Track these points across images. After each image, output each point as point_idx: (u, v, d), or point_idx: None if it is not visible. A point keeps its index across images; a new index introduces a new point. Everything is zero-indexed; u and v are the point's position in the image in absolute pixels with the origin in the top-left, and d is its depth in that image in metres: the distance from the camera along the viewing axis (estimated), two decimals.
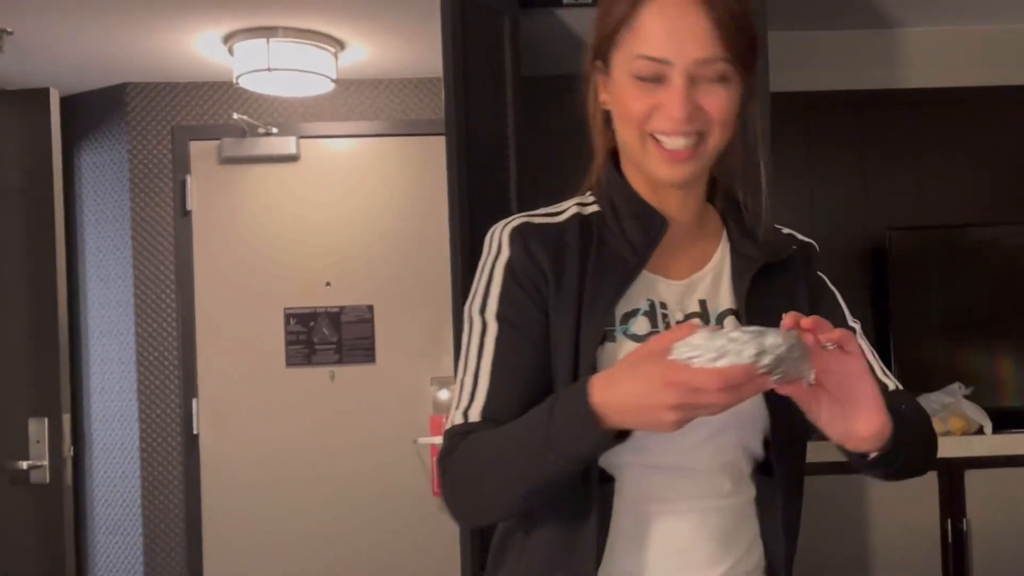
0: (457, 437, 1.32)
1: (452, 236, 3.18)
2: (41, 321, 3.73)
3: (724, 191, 1.44)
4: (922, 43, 4.26)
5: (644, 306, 1.35)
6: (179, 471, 4.42)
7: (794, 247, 1.44)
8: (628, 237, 1.36)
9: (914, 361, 3.97)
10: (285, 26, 3.76)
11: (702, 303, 1.38)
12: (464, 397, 1.33)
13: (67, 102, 4.16)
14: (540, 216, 1.39)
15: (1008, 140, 4.29)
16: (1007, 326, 3.99)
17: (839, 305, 1.46)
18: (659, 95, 1.29)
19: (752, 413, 1.35)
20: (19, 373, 3.74)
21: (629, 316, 1.34)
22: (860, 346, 1.22)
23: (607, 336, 1.32)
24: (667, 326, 1.34)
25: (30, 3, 3.44)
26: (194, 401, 4.41)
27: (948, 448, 3.54)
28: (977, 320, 4.00)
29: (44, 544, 3.74)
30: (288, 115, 4.42)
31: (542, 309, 1.33)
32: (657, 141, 1.31)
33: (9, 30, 3.64)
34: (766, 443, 1.37)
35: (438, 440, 4.26)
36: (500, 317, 1.34)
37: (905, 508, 3.55)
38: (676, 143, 1.30)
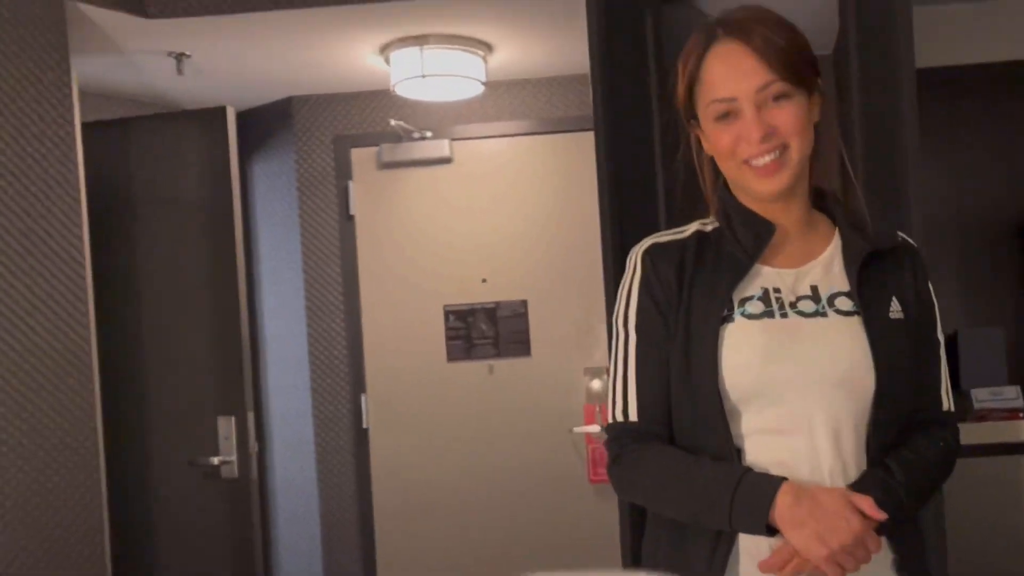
0: (623, 438, 1.65)
1: (603, 230, 3.29)
2: (224, 325, 4.01)
3: (831, 197, 1.69)
4: None
5: (758, 292, 1.61)
6: (351, 464, 4.64)
7: (899, 240, 1.67)
8: (741, 241, 1.63)
9: None
10: (437, 33, 3.94)
11: (813, 288, 1.62)
12: (619, 399, 1.65)
13: (239, 117, 4.42)
14: (668, 235, 1.69)
15: None
16: None
17: (935, 318, 1.70)
18: (737, 127, 1.58)
19: (861, 381, 1.57)
20: (207, 374, 4.02)
21: (745, 300, 1.60)
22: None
23: (727, 318, 1.58)
24: (780, 306, 1.60)
25: (204, 28, 3.71)
26: (363, 397, 4.64)
27: None
28: None
29: (234, 534, 4.02)
30: (440, 118, 4.61)
31: (667, 316, 1.62)
32: (749, 165, 1.59)
33: (188, 53, 3.93)
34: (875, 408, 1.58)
35: (593, 429, 4.40)
36: (638, 327, 1.65)
37: None
38: (762, 161, 1.57)
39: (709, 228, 1.69)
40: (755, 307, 1.59)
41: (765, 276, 1.63)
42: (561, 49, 4.18)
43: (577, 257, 4.51)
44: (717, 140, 1.61)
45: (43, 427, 3.21)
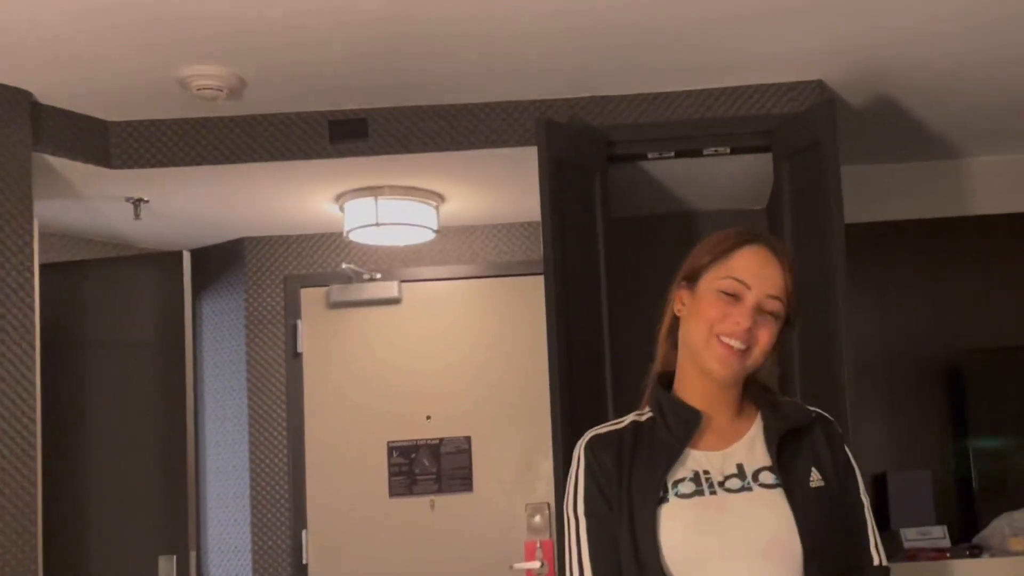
0: None
1: (551, 367, 3.40)
2: (170, 463, 4.02)
3: (757, 386, 1.87)
4: (988, 172, 4.46)
5: (689, 474, 1.76)
6: None
7: (813, 416, 1.85)
8: (672, 429, 1.80)
9: (996, 478, 4.09)
10: (392, 185, 4.08)
11: (739, 466, 1.78)
12: None
13: (191, 256, 4.47)
14: (606, 427, 1.86)
15: None
16: None
17: (856, 480, 1.85)
18: (733, 308, 1.76)
19: (787, 547, 1.71)
20: (149, 512, 4.01)
21: (678, 482, 1.75)
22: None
23: (663, 499, 1.74)
24: (709, 485, 1.75)
25: (164, 177, 3.81)
26: (303, 533, 4.63)
27: None
28: None
29: None
30: (391, 261, 4.71)
31: (611, 500, 1.77)
32: (720, 341, 1.76)
33: (145, 199, 4.01)
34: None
35: (533, 565, 4.42)
36: (588, 513, 1.79)
37: None
38: (733, 342, 1.76)
39: (643, 419, 1.86)
40: (687, 487, 1.75)
41: (695, 459, 1.78)
42: (510, 198, 4.34)
43: (520, 395, 4.60)
44: (708, 305, 1.79)
45: None
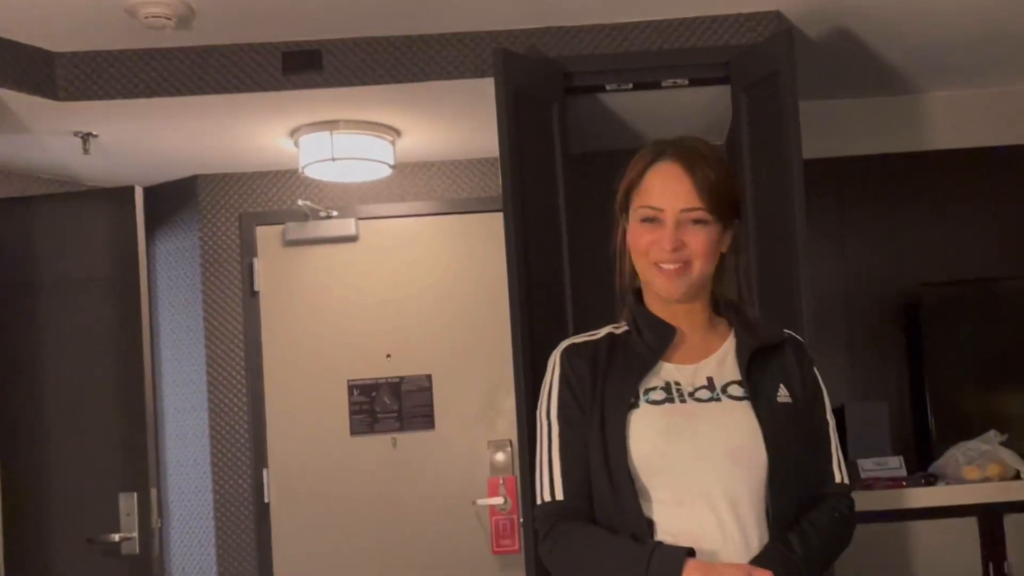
0: (552, 518, 1.83)
1: (512, 304, 3.39)
2: (128, 401, 3.99)
3: (728, 305, 1.92)
4: (945, 107, 4.47)
5: (661, 384, 1.82)
6: (252, 539, 4.60)
7: (785, 336, 1.91)
8: (647, 342, 1.86)
9: (950, 410, 4.14)
10: (347, 119, 4.03)
11: (709, 379, 1.83)
12: (545, 482, 1.84)
13: (143, 194, 4.43)
14: (583, 337, 1.92)
15: None
16: None
17: (823, 401, 1.92)
18: (656, 233, 1.82)
19: (752, 456, 1.76)
20: (109, 450, 3.99)
21: (650, 391, 1.81)
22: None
23: (634, 405, 1.79)
24: (679, 395, 1.81)
25: (112, 110, 3.74)
26: (264, 471, 4.62)
27: (987, 493, 3.69)
28: (1010, 369, 4.16)
29: None
30: (347, 198, 4.67)
31: (584, 406, 1.82)
32: (658, 268, 1.82)
33: (94, 133, 3.93)
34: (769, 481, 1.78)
35: (496, 501, 4.48)
36: (560, 418, 1.85)
37: (947, 553, 3.69)
38: (668, 266, 1.82)
39: (619, 331, 1.91)
40: (658, 395, 1.81)
41: (667, 371, 1.85)
42: (467, 133, 4.30)
43: (481, 332, 4.61)
44: (637, 237, 1.84)
45: None
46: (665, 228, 1.80)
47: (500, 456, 4.60)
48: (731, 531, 1.74)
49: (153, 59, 3.65)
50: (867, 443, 4.02)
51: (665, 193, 1.81)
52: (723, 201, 1.83)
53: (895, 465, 3.91)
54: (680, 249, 1.80)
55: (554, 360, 1.90)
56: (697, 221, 1.81)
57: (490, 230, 4.29)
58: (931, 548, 3.70)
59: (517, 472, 4.52)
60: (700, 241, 1.81)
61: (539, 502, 1.85)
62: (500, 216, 3.52)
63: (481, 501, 4.55)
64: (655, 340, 1.85)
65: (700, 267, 1.82)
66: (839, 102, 4.41)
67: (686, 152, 1.84)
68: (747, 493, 1.76)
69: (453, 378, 4.66)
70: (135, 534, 3.92)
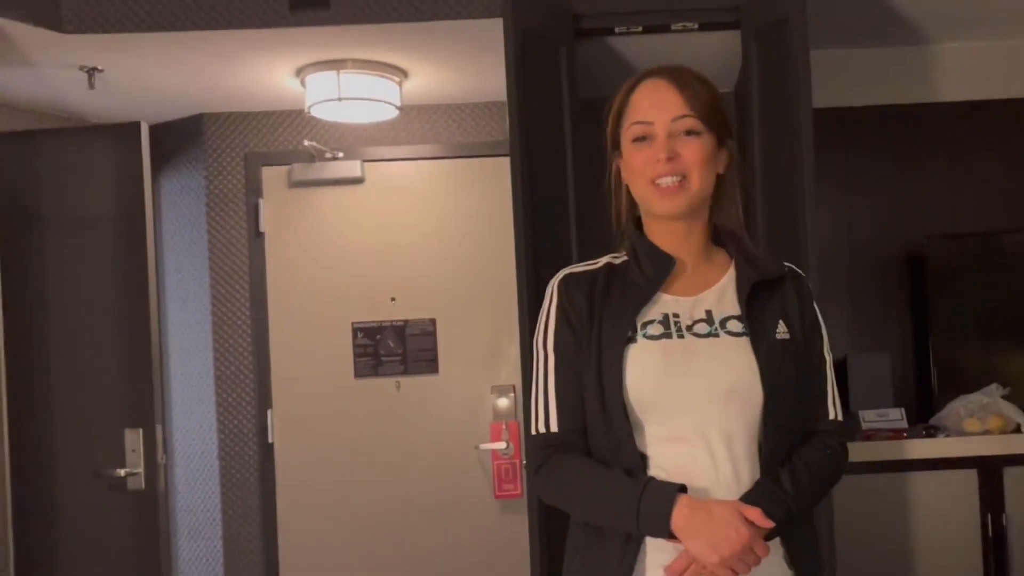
0: (547, 449, 1.83)
1: (517, 251, 3.38)
2: (133, 338, 4.00)
3: (728, 234, 1.90)
4: (955, 58, 4.42)
5: (659, 317, 1.80)
6: (255, 478, 4.65)
7: (786, 270, 1.88)
8: (645, 273, 1.83)
9: (952, 363, 4.14)
10: (354, 58, 3.99)
11: (708, 312, 1.81)
12: (540, 412, 1.84)
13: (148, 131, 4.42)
14: (581, 267, 1.90)
15: None
16: None
17: (821, 336, 1.90)
18: (650, 150, 1.79)
19: (748, 394, 1.76)
20: (115, 387, 4.01)
21: (647, 324, 1.79)
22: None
23: (630, 339, 1.77)
24: (677, 329, 1.79)
25: (118, 44, 3.71)
26: (269, 412, 4.65)
27: (987, 446, 3.71)
28: (1013, 323, 4.15)
29: (140, 546, 4.00)
30: (353, 140, 4.66)
31: (580, 339, 1.81)
32: (655, 186, 1.80)
33: (100, 68, 3.91)
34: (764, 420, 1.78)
35: (499, 446, 4.50)
36: (556, 349, 1.84)
37: (946, 505, 3.71)
38: (665, 181, 1.79)
39: (618, 261, 1.90)
40: (655, 329, 1.79)
41: (665, 303, 1.83)
42: (474, 77, 4.27)
43: (486, 278, 4.60)
44: (631, 159, 1.82)
45: None
46: (657, 141, 1.79)
47: (503, 401, 4.62)
48: (723, 468, 1.75)
49: None
50: (869, 395, 4.03)
51: (654, 106, 1.80)
52: (714, 113, 1.82)
53: (896, 417, 3.93)
54: (675, 159, 1.78)
55: (551, 289, 1.89)
56: (690, 132, 1.79)
57: (497, 175, 4.28)
58: (930, 499, 3.72)
59: (520, 417, 4.54)
60: (694, 150, 1.79)
61: (534, 432, 1.86)
62: (507, 161, 3.49)
63: (484, 446, 4.57)
64: (653, 271, 1.83)
65: (698, 179, 1.80)
66: (849, 51, 4.36)
67: (672, 69, 1.84)
68: (742, 431, 1.76)
69: (457, 323, 4.67)
70: (140, 470, 3.95)
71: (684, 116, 1.78)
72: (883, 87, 4.39)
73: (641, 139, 1.80)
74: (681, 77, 1.81)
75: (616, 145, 1.87)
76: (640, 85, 1.84)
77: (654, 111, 1.79)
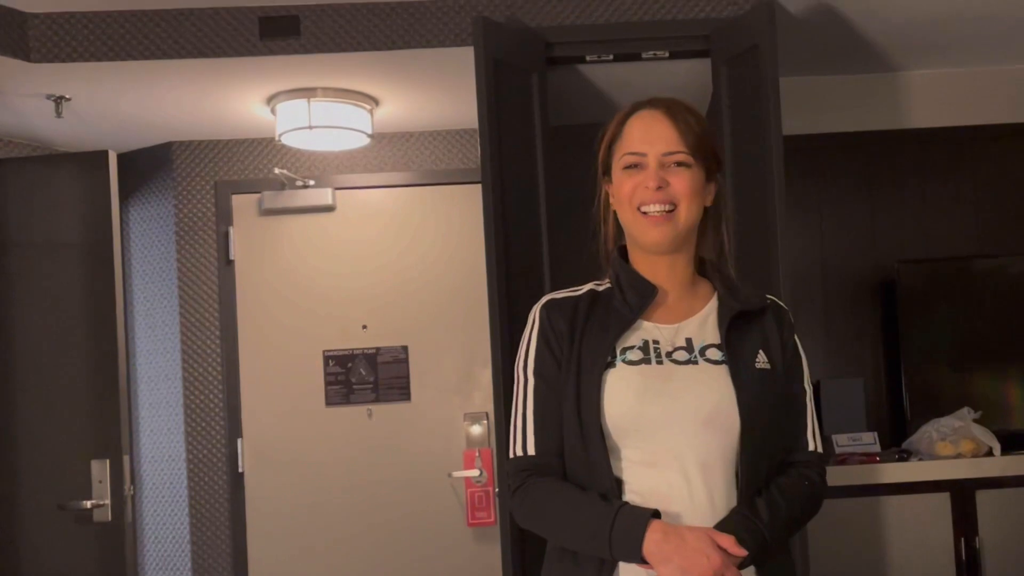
0: (523, 473, 1.84)
1: (489, 278, 3.37)
2: (100, 367, 3.95)
3: (711, 267, 1.92)
4: (924, 85, 4.46)
5: (639, 343, 1.82)
6: (225, 508, 4.59)
7: (768, 302, 1.90)
8: (628, 300, 1.85)
9: (924, 387, 4.15)
10: (325, 87, 3.98)
11: (688, 340, 1.82)
12: (518, 435, 1.85)
13: (117, 160, 4.38)
14: (563, 293, 1.91)
15: (1008, 174, 4.49)
16: (1013, 352, 4.17)
17: (801, 369, 1.91)
18: (640, 178, 1.81)
19: (726, 421, 1.76)
20: (81, 416, 3.96)
21: (627, 350, 1.80)
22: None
23: (609, 364, 1.78)
24: (656, 355, 1.80)
25: (85, 72, 3.68)
26: (239, 441, 4.60)
27: (959, 470, 3.72)
28: (984, 347, 4.18)
29: None
30: (324, 168, 4.64)
31: (561, 362, 1.83)
32: (642, 214, 1.81)
33: (67, 96, 3.88)
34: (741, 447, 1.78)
35: (472, 473, 4.47)
36: (536, 373, 1.85)
37: (919, 528, 3.72)
38: (653, 209, 1.80)
39: (601, 288, 1.91)
40: (635, 355, 1.80)
41: (646, 330, 1.84)
42: (446, 104, 4.27)
43: (458, 305, 4.59)
44: (620, 186, 1.84)
45: None
46: (648, 171, 1.81)
47: (476, 428, 4.59)
48: (699, 494, 1.74)
49: (128, 21, 3.60)
50: (842, 419, 4.05)
51: (647, 137, 1.82)
52: (705, 147, 1.84)
53: (869, 441, 3.93)
54: (664, 188, 1.80)
55: (534, 314, 1.91)
56: (680, 164, 1.82)
57: (468, 202, 4.28)
58: (904, 523, 3.73)
59: (493, 445, 4.52)
60: (683, 182, 1.81)
61: (511, 455, 1.86)
62: (478, 188, 3.49)
63: (457, 473, 4.54)
64: (636, 298, 1.84)
65: (685, 211, 1.82)
66: (819, 78, 4.39)
67: (667, 101, 1.86)
68: (719, 457, 1.76)
69: (430, 350, 4.65)
70: (107, 501, 3.90)
71: (676, 151, 1.81)
72: (853, 114, 4.42)
73: (632, 167, 1.83)
74: (675, 110, 1.83)
75: (606, 171, 1.90)
76: (634, 115, 1.86)
77: (647, 143, 1.82)
